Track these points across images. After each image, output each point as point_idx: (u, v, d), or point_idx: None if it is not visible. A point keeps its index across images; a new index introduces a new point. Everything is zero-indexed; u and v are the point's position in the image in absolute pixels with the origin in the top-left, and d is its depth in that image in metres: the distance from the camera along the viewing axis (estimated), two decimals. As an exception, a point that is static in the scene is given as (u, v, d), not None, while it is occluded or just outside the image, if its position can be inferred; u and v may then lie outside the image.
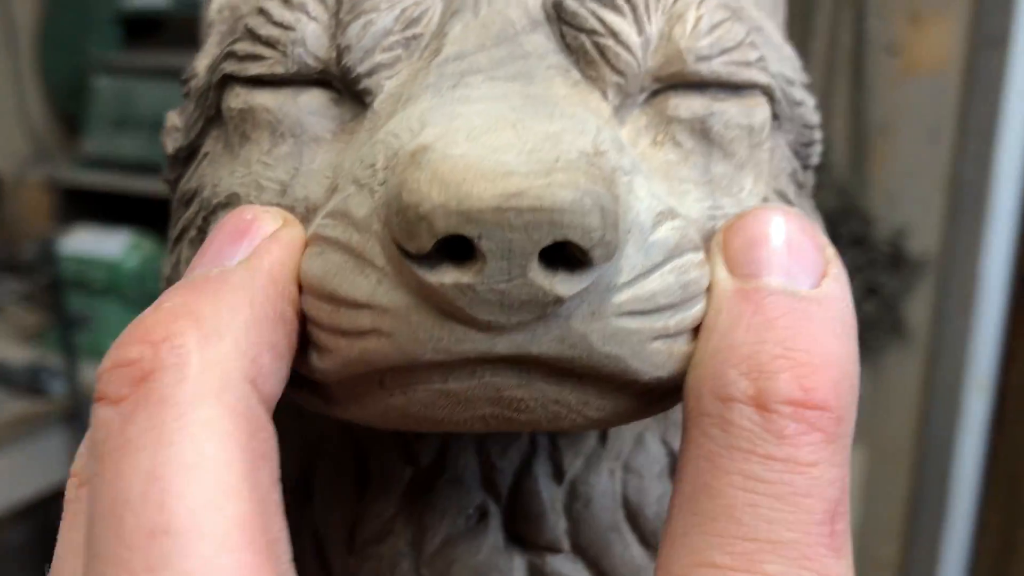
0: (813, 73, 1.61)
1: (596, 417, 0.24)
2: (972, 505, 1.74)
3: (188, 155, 0.31)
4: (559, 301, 0.21)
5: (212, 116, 0.29)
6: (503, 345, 0.21)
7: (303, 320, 0.24)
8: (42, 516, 1.67)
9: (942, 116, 1.58)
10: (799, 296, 0.22)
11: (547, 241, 0.20)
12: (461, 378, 0.22)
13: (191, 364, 0.20)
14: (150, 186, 1.60)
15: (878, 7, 1.58)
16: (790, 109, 0.30)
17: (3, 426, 1.09)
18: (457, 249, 0.20)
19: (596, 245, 0.20)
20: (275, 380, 0.22)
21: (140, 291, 1.26)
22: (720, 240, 0.24)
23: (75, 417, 1.16)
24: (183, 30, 2.06)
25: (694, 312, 0.23)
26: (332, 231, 0.23)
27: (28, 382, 1.14)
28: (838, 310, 0.22)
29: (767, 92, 0.27)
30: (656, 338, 0.23)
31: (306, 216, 0.25)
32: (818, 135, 0.32)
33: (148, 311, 0.21)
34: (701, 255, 0.24)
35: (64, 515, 0.22)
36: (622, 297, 0.22)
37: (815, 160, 0.32)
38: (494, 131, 0.21)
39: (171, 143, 0.31)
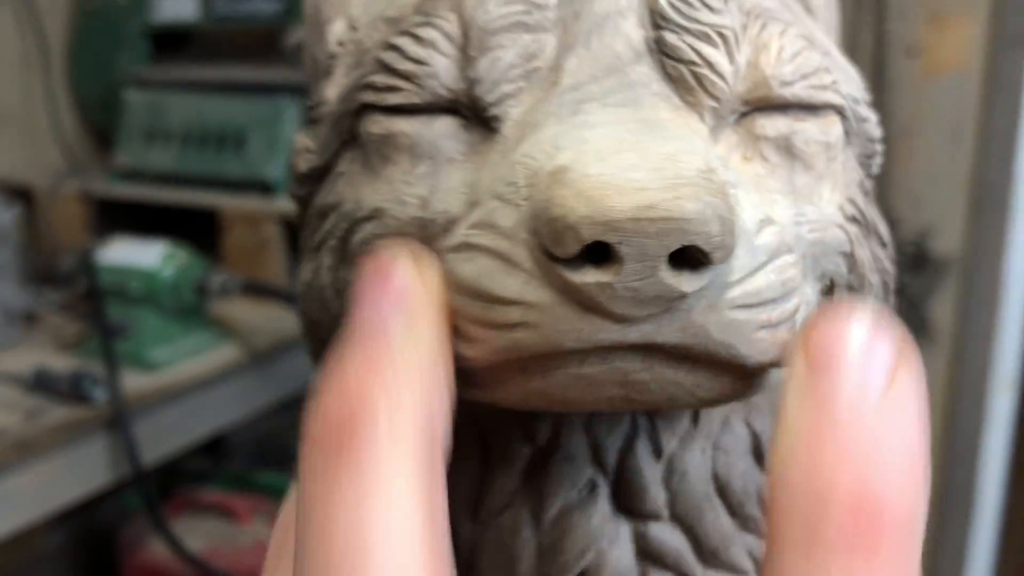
0: (834, 76, 1.63)
1: (706, 397, 0.28)
2: (999, 502, 1.74)
3: (322, 173, 0.35)
4: (683, 296, 0.25)
5: (347, 139, 0.33)
6: (634, 335, 0.25)
7: (451, 314, 0.27)
8: (83, 521, 1.70)
9: (964, 117, 1.58)
10: (869, 399, 0.23)
11: (676, 246, 0.24)
12: (594, 363, 0.26)
13: (381, 425, 0.23)
14: (183, 197, 1.64)
15: (899, 8, 1.58)
16: (857, 125, 0.34)
17: (47, 432, 1.12)
18: (596, 253, 0.24)
19: (716, 248, 0.24)
20: (445, 412, 0.25)
21: (176, 300, 1.29)
22: (802, 335, 0.24)
23: (116, 424, 1.19)
24: (211, 43, 2.10)
25: (791, 305, 0.27)
26: (480, 239, 0.27)
27: (70, 390, 1.16)
28: (908, 408, 0.23)
29: (840, 112, 0.32)
30: (761, 328, 0.27)
31: (446, 226, 0.29)
32: (880, 147, 0.37)
33: (338, 365, 0.24)
34: (794, 255, 0.28)
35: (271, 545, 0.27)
36: (734, 293, 0.26)
37: (876, 169, 0.37)
38: (619, 152, 0.25)
39: (303, 163, 0.36)
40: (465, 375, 0.28)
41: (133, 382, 1.23)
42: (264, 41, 2.08)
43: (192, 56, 2.02)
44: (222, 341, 1.40)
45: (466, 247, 0.27)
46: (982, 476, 1.70)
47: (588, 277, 0.24)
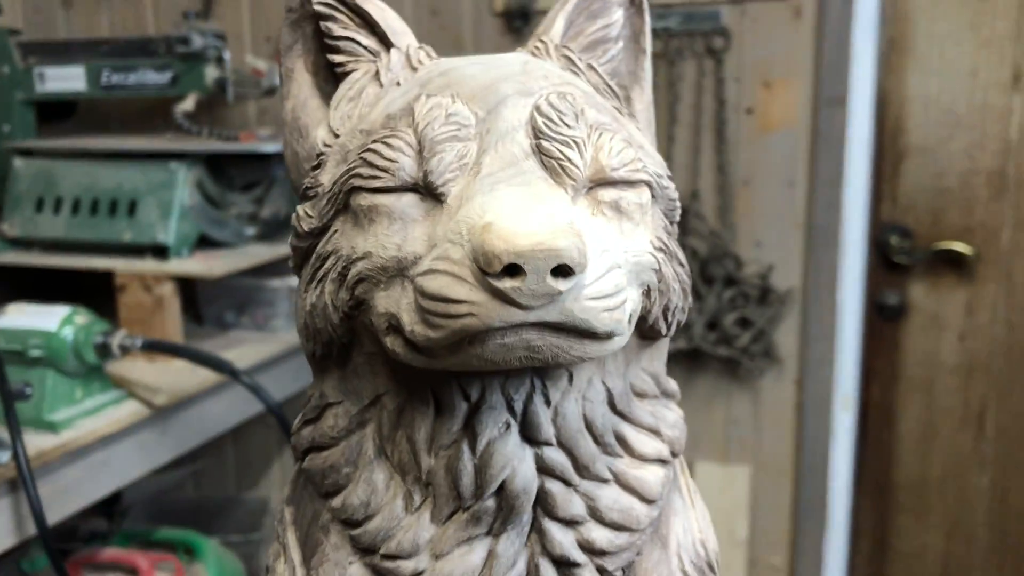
0: (681, 133, 1.80)
1: (576, 354, 0.48)
2: (847, 511, 1.91)
3: (320, 232, 0.54)
4: (559, 293, 0.45)
5: (340, 208, 0.53)
6: (532, 317, 0.46)
7: (420, 310, 0.45)
8: (-18, 584, 1.68)
9: (795, 167, 1.77)
10: None
11: (554, 264, 0.44)
12: (510, 336, 0.46)
13: None
14: (76, 262, 1.66)
15: (735, 74, 1.77)
16: (661, 191, 0.58)
17: (-46, 495, 1.14)
18: (510, 270, 0.44)
19: (577, 265, 0.45)
20: None
21: (77, 360, 1.32)
22: None
23: (18, 485, 1.21)
24: (97, 112, 2.14)
25: (621, 297, 0.48)
26: (440, 265, 0.47)
27: (-26, 453, 1.19)
28: None
29: (648, 184, 0.55)
30: (605, 310, 0.47)
31: (414, 261, 0.50)
32: (677, 204, 0.60)
33: None
34: (622, 270, 0.50)
35: None
36: (588, 291, 0.47)
37: (677, 217, 0.61)
38: (520, 213, 0.46)
39: (305, 224, 0.55)
40: (427, 351, 0.47)
41: (35, 443, 1.26)
42: (150, 110, 2.14)
43: (77, 125, 2.06)
44: (122, 399, 1.43)
45: (431, 271, 0.47)
46: (832, 486, 1.87)
47: (506, 284, 0.44)
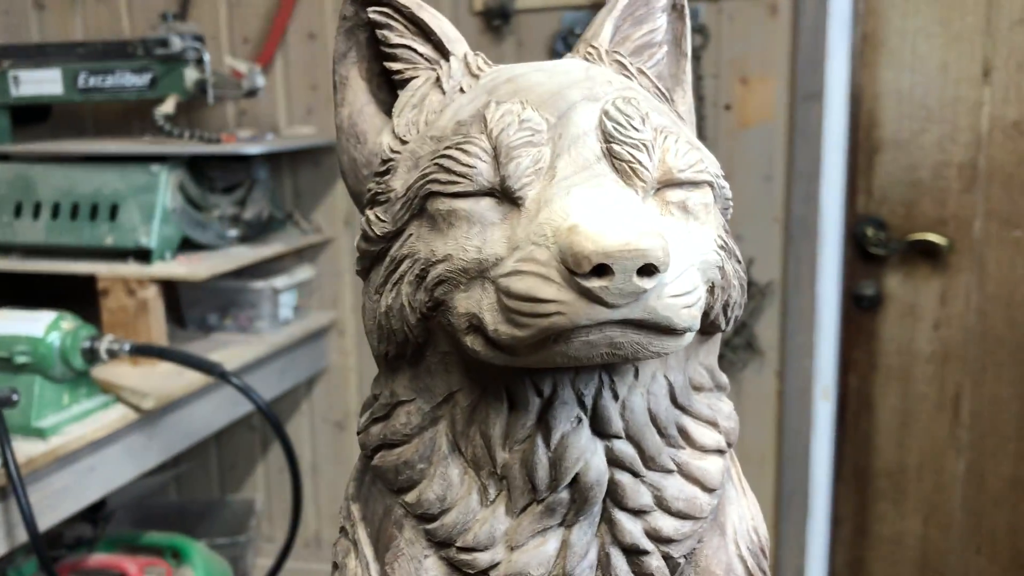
0: (662, 131, 1.81)
1: (655, 349, 0.50)
2: (828, 498, 1.95)
3: (394, 236, 0.55)
4: (644, 291, 0.47)
5: (416, 213, 0.54)
6: (618, 314, 0.47)
7: (505, 310, 0.46)
8: (-29, 593, 1.67)
9: (773, 161, 1.80)
10: None
11: (641, 264, 0.46)
12: (594, 333, 0.48)
13: None
14: (57, 266, 1.65)
15: (713, 71, 1.79)
16: (719, 191, 0.60)
17: (-56, 503, 1.13)
18: (599, 270, 0.46)
19: (661, 265, 0.46)
20: None
21: (63, 366, 1.32)
22: None
23: (8, 492, 1.20)
24: (73, 116, 2.12)
25: (696, 295, 0.51)
26: (527, 267, 0.49)
27: (-37, 460, 1.18)
28: None
29: (710, 184, 0.57)
30: (684, 307, 0.49)
31: (495, 263, 0.51)
32: (731, 203, 0.62)
33: None
34: (695, 269, 0.52)
35: None
36: (669, 289, 0.49)
37: (730, 215, 0.62)
38: (605, 214, 0.48)
39: (378, 229, 0.56)
40: (509, 349, 0.48)
41: (23, 449, 1.25)
42: (127, 113, 2.12)
43: (53, 129, 2.04)
44: (109, 404, 1.43)
45: (517, 272, 0.49)
46: (813, 475, 1.90)
47: (594, 283, 0.46)
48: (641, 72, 0.63)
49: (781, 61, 1.76)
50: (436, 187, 0.53)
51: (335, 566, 0.64)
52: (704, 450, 0.59)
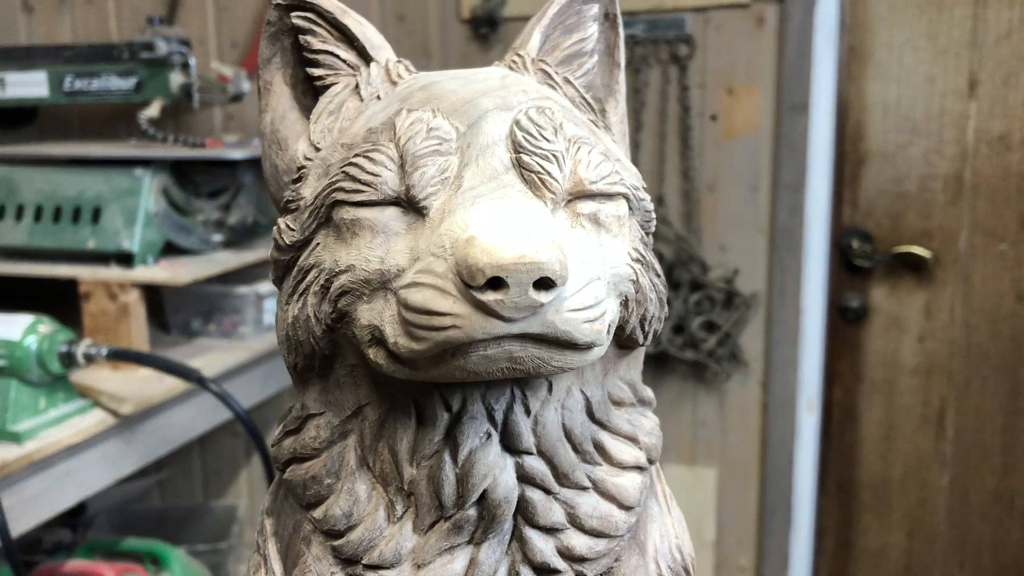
0: (647, 140, 1.82)
1: (557, 365, 0.49)
2: (812, 510, 1.94)
3: (302, 244, 0.54)
4: (542, 305, 0.46)
5: (323, 222, 0.54)
6: (515, 328, 0.46)
7: (404, 323, 0.45)
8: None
9: (759, 172, 1.80)
10: None
11: (537, 277, 0.45)
12: (492, 347, 0.47)
13: None
14: (38, 269, 1.65)
15: (699, 80, 1.79)
16: (637, 203, 0.58)
17: (-84, 508, 1.13)
18: (493, 283, 0.45)
19: (558, 278, 0.45)
20: None
21: (40, 370, 1.31)
22: None
23: None
24: (58, 119, 2.12)
25: (600, 309, 0.49)
26: (424, 279, 0.48)
27: (-63, 464, 1.17)
28: None
29: (625, 197, 0.56)
30: (585, 321, 0.48)
31: (397, 274, 0.50)
32: (653, 215, 0.61)
33: None
34: (601, 282, 0.51)
35: None
36: (569, 303, 0.48)
37: (652, 228, 0.61)
38: (502, 227, 0.46)
39: (287, 237, 0.55)
40: (410, 363, 0.47)
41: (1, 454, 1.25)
42: (113, 116, 2.12)
43: (38, 131, 2.04)
44: (87, 409, 1.42)
45: (415, 284, 0.48)
46: (797, 487, 1.89)
47: (489, 297, 0.45)
48: (567, 81, 0.62)
49: (767, 72, 1.76)
50: (341, 195, 0.53)
51: None
52: (622, 466, 0.58)
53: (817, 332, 1.86)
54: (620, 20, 0.67)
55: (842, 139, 1.80)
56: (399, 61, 0.61)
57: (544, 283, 0.45)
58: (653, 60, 1.79)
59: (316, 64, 0.62)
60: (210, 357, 1.72)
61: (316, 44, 0.61)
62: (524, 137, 0.52)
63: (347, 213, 0.52)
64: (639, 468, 0.59)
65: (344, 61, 0.61)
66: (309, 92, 0.63)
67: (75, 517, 1.83)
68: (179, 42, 1.73)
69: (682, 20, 1.77)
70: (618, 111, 0.67)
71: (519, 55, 0.62)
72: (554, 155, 0.52)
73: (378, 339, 0.51)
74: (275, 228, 0.58)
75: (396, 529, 0.55)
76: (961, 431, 1.83)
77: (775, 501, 1.89)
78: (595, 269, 0.51)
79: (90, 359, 1.36)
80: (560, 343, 0.48)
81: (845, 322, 1.87)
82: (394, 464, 0.55)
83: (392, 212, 0.52)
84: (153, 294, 1.75)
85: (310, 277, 0.54)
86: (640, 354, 0.62)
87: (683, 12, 1.77)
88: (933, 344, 1.82)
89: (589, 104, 0.62)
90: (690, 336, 1.82)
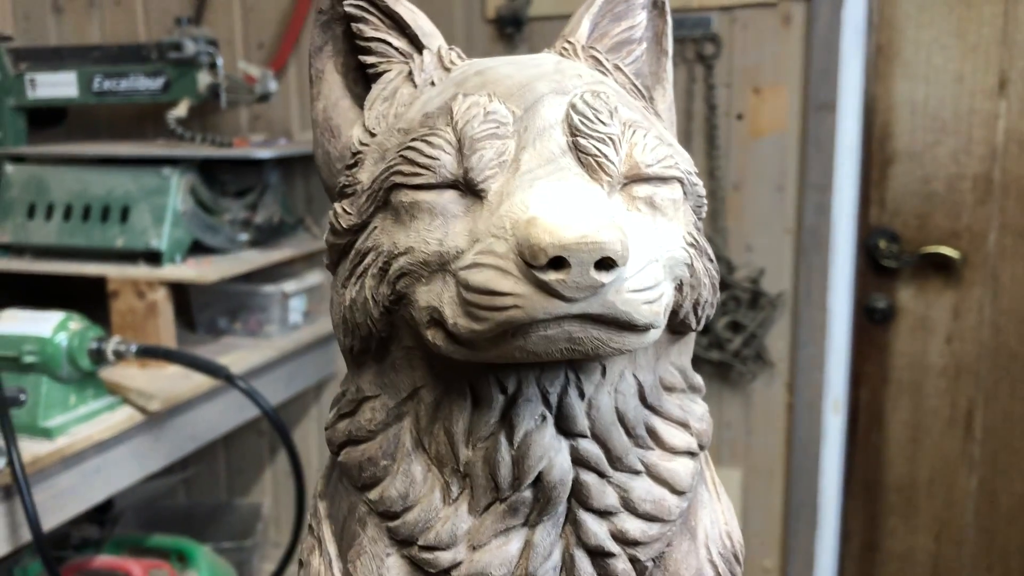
0: (673, 140, 1.81)
1: (615, 346, 0.49)
2: (837, 512, 1.93)
3: (359, 228, 0.55)
4: (603, 285, 0.46)
5: (380, 205, 0.54)
6: (575, 309, 0.47)
7: (464, 303, 0.46)
8: (-25, 592, 1.68)
9: (785, 171, 1.79)
10: None
11: (598, 257, 0.45)
12: (553, 328, 0.47)
13: None
14: (69, 268, 1.67)
15: (725, 80, 1.79)
16: (691, 188, 0.59)
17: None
18: (555, 263, 0.45)
19: (619, 258, 0.46)
20: None
21: (71, 366, 1.32)
22: None
23: (13, 492, 1.21)
24: (88, 119, 2.14)
25: (658, 291, 0.50)
26: (485, 259, 0.48)
27: (-31, 459, 1.19)
28: None
29: (679, 180, 0.56)
30: (644, 303, 0.48)
31: (456, 255, 0.51)
32: (705, 201, 0.61)
33: None
34: (659, 264, 0.51)
35: None
36: (629, 284, 0.48)
37: (704, 214, 0.62)
38: (565, 207, 0.47)
39: (344, 221, 0.56)
40: (469, 343, 0.48)
41: (30, 449, 1.26)
42: (141, 116, 2.14)
43: (68, 131, 2.06)
44: (116, 406, 1.44)
45: (476, 265, 0.49)
46: (822, 488, 1.88)
47: (551, 276, 0.46)
48: (617, 68, 0.62)
49: (794, 71, 1.75)
50: (400, 179, 0.53)
51: (300, 563, 0.63)
52: (674, 451, 0.58)
53: (843, 333, 1.85)
54: (668, 8, 0.66)
55: (869, 139, 1.79)
56: (451, 48, 0.62)
57: (605, 263, 0.45)
58: (679, 59, 1.79)
59: (368, 52, 0.62)
60: (236, 355, 1.73)
61: (368, 32, 0.62)
62: (580, 120, 0.53)
63: (406, 196, 0.53)
64: (690, 453, 0.59)
65: (396, 49, 0.61)
66: (360, 80, 0.63)
67: (103, 513, 1.85)
68: (207, 42, 1.74)
69: (708, 19, 1.76)
70: (666, 99, 0.67)
71: (569, 42, 0.63)
72: (610, 138, 0.53)
73: (437, 320, 0.51)
74: (331, 213, 0.58)
75: (452, 510, 0.55)
76: (989, 433, 1.81)
77: (800, 502, 1.87)
78: (653, 251, 0.51)
79: (119, 356, 1.37)
80: (619, 324, 0.48)
81: (872, 323, 1.85)
82: (450, 446, 0.55)
83: (450, 195, 0.52)
84: (180, 293, 1.76)
85: (368, 260, 0.55)
86: (691, 340, 0.62)
87: (709, 11, 1.76)
88: (961, 345, 1.80)
89: (639, 91, 0.62)
90: (715, 336, 1.81)
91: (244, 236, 1.80)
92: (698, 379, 0.62)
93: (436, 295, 0.51)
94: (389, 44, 0.62)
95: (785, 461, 1.88)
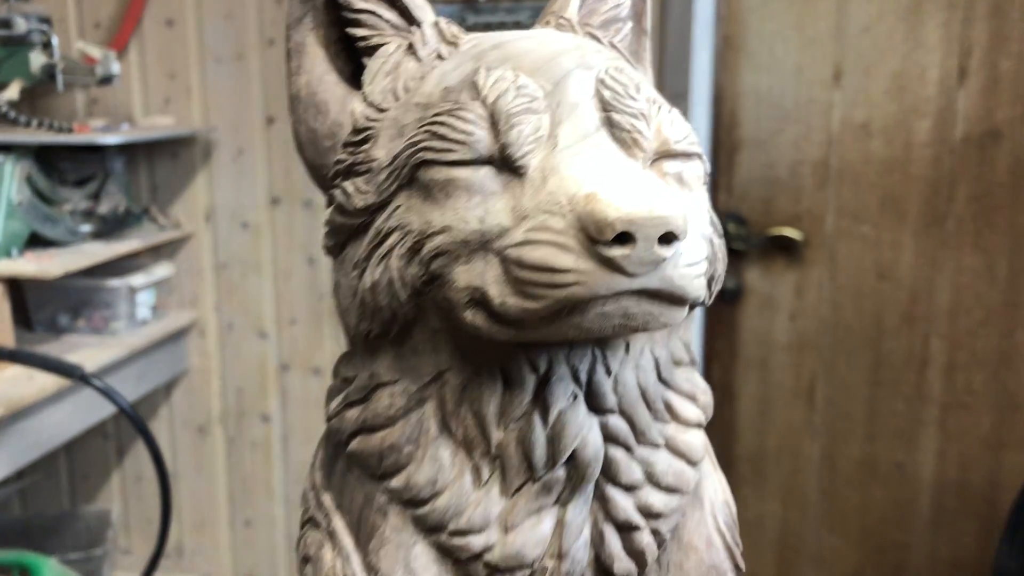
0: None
1: (665, 320, 0.49)
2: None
3: (379, 207, 0.52)
4: (664, 260, 0.46)
5: (405, 183, 0.53)
6: (636, 283, 0.46)
7: (516, 282, 0.45)
8: None
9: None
10: None
11: (663, 231, 0.45)
12: (611, 304, 0.47)
13: None
14: None
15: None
16: (706, 165, 0.58)
17: None
18: (619, 238, 0.44)
19: (681, 232, 0.46)
20: None
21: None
22: None
23: None
24: None
25: (705, 264, 0.50)
26: (541, 236, 0.47)
27: None
28: None
29: (700, 157, 0.56)
30: (695, 276, 0.49)
31: (499, 234, 0.49)
32: (707, 177, 0.61)
33: None
34: (702, 238, 0.53)
35: None
36: (685, 258, 0.48)
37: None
38: (622, 183, 0.47)
39: (359, 200, 0.53)
40: (516, 323, 0.47)
41: None
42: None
43: None
44: (-49, 413, 1.33)
45: (530, 242, 0.47)
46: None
47: (616, 252, 0.45)
48: (612, 46, 0.62)
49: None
50: (430, 155, 0.51)
51: (305, 560, 0.60)
52: (688, 424, 0.59)
53: (697, 313, 1.92)
54: None
55: (718, 127, 1.87)
56: (448, 21, 0.60)
57: (667, 238, 0.45)
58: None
59: (357, 24, 0.59)
60: (81, 354, 1.63)
61: (357, 3, 0.59)
62: (612, 96, 0.52)
63: (439, 173, 0.51)
64: (700, 425, 0.60)
65: (387, 21, 0.59)
66: (341, 54, 0.60)
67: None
68: (39, 20, 1.62)
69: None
70: (647, 78, 0.67)
71: (565, 18, 0.62)
72: (642, 113, 0.53)
73: (478, 300, 0.50)
74: (339, 192, 0.55)
75: (483, 493, 0.54)
76: (830, 403, 1.94)
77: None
78: (696, 226, 0.52)
79: (-46, 359, 1.26)
80: (673, 299, 0.48)
81: (722, 303, 1.94)
82: (479, 428, 0.54)
83: (486, 171, 0.51)
84: (14, 289, 1.64)
85: (392, 239, 0.52)
86: (696, 315, 0.63)
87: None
88: (803, 322, 1.92)
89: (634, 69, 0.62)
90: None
91: (86, 227, 1.70)
92: (695, 353, 0.63)
93: (478, 274, 0.49)
94: (379, 16, 0.59)
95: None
